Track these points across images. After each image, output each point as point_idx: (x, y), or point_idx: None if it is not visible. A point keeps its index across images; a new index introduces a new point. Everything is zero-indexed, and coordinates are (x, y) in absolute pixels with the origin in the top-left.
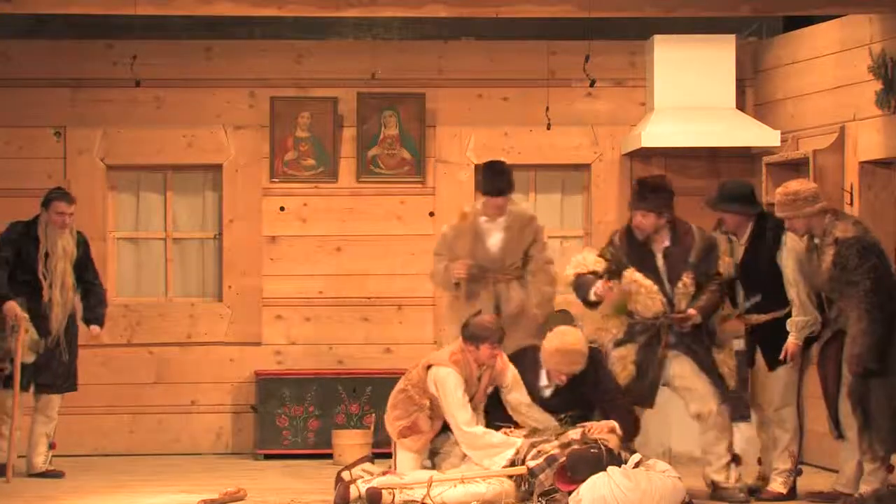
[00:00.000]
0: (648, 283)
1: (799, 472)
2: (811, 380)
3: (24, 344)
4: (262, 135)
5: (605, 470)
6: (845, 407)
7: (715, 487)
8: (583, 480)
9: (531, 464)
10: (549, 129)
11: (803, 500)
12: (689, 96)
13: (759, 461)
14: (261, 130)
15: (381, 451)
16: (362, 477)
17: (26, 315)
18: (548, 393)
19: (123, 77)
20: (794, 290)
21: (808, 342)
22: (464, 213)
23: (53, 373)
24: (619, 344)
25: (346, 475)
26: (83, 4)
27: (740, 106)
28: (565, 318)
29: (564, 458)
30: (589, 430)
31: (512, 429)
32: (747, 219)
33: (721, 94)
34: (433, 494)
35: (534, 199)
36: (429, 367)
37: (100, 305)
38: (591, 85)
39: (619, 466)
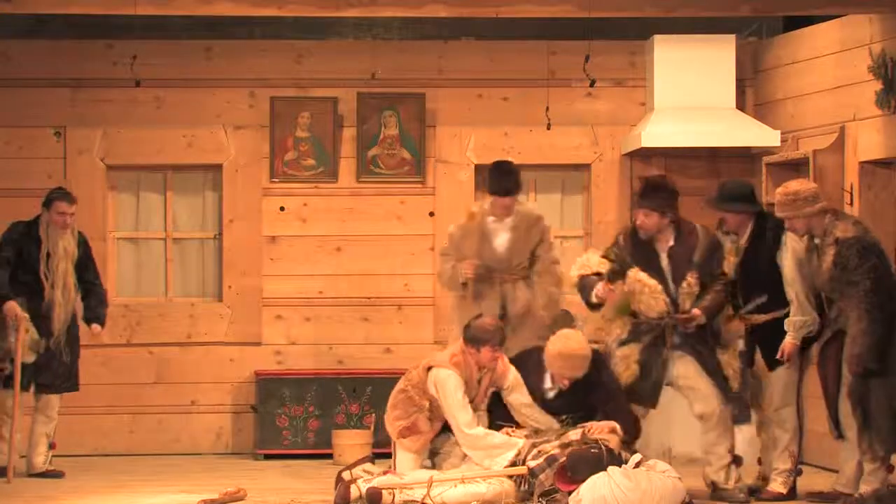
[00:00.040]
0: (652, 282)
1: (799, 472)
2: (811, 380)
3: (25, 344)
4: (262, 135)
5: (605, 470)
6: (845, 407)
7: (715, 488)
8: (583, 480)
9: (531, 464)
10: (549, 129)
11: (803, 500)
12: (689, 96)
13: (759, 461)
14: (261, 130)
15: (381, 451)
16: (362, 477)
17: (26, 315)
18: (551, 395)
19: (123, 77)
20: (793, 289)
21: (806, 342)
22: (471, 212)
23: (54, 373)
24: (622, 343)
25: (346, 475)
26: (83, 4)
27: (740, 106)
28: (566, 318)
29: (565, 458)
30: (589, 431)
31: (514, 428)
32: (748, 218)
33: (721, 94)
34: (433, 494)
35: (534, 200)
36: (429, 368)
37: (100, 306)
38: (591, 85)
39: (620, 466)
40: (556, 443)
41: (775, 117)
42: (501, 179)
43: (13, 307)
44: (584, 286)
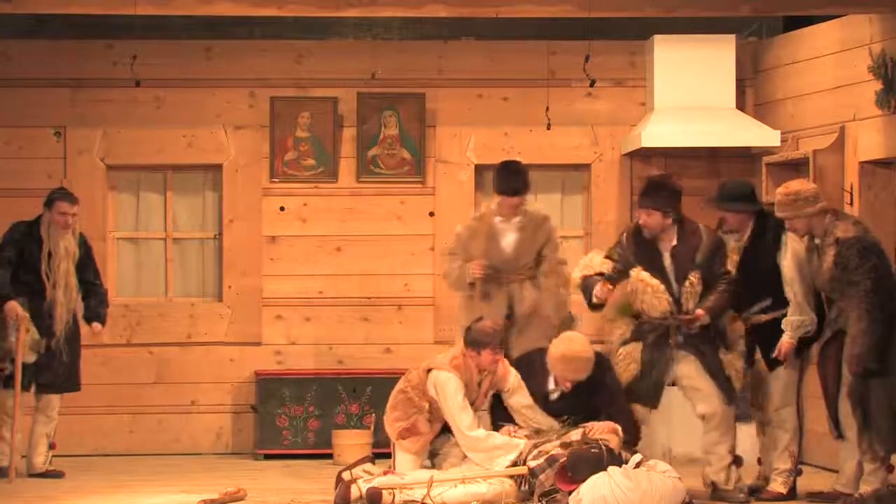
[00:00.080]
0: (655, 282)
1: (799, 472)
2: (811, 380)
3: (25, 344)
4: (262, 135)
5: (605, 470)
6: (845, 407)
7: (714, 488)
8: (583, 480)
9: (532, 464)
10: (549, 129)
11: (803, 500)
12: (689, 96)
13: (759, 461)
14: (261, 130)
15: (381, 451)
16: (363, 477)
17: (27, 315)
18: (554, 397)
19: (123, 77)
20: (792, 289)
21: (803, 342)
22: (481, 213)
23: (54, 373)
24: (625, 343)
25: (346, 475)
26: (83, 4)
27: (740, 106)
28: (568, 319)
29: (565, 458)
30: (590, 431)
31: (515, 428)
32: (748, 217)
33: (721, 94)
34: (433, 494)
35: (534, 200)
36: (429, 370)
37: (101, 306)
38: (591, 85)
39: (620, 466)
40: (557, 443)
41: (775, 117)
42: (510, 179)
43: (14, 307)
44: (586, 287)
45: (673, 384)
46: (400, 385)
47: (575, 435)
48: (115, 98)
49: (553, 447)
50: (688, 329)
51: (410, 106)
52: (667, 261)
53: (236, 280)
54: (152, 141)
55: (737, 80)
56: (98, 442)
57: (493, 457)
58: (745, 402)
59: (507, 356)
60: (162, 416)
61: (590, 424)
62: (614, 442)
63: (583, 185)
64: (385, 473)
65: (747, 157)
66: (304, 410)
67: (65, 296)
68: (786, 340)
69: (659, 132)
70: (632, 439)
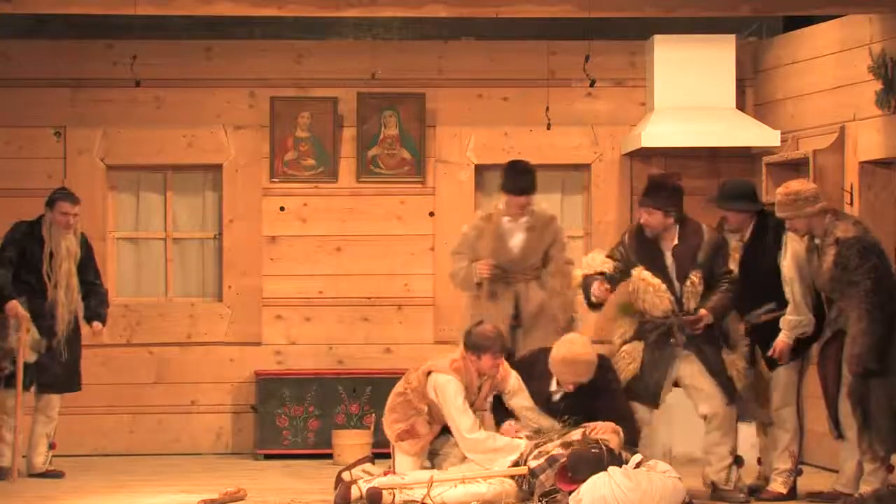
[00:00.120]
0: (656, 281)
1: (799, 472)
2: (811, 380)
3: (26, 344)
4: (262, 135)
5: (605, 470)
6: (845, 407)
7: (714, 488)
8: (583, 480)
9: (532, 464)
10: (549, 129)
11: (803, 500)
12: (689, 96)
13: (759, 461)
14: (261, 130)
15: (381, 451)
16: (363, 477)
17: (28, 314)
18: (556, 398)
19: (123, 77)
20: (790, 289)
21: (804, 342)
22: (489, 213)
23: (54, 373)
24: (627, 342)
25: (346, 476)
26: (83, 4)
27: (740, 106)
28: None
29: (565, 459)
30: (590, 431)
31: (518, 425)
32: (749, 217)
33: (721, 94)
34: (433, 494)
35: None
36: (429, 373)
37: (101, 306)
38: (591, 85)
39: (620, 467)
40: (558, 443)
41: (775, 117)
42: (517, 178)
43: (15, 306)
44: (587, 286)
45: (676, 385)
46: (399, 387)
47: (575, 435)
48: (115, 98)
49: (554, 447)
50: (692, 330)
51: (410, 106)
52: (668, 260)
53: (236, 280)
54: (152, 141)
55: (737, 80)
56: (98, 442)
57: (494, 459)
58: (742, 401)
59: (512, 356)
60: (162, 416)
61: (590, 424)
62: (614, 442)
63: (583, 185)
64: (385, 474)
65: (747, 157)
66: (304, 410)
67: (66, 296)
68: (781, 339)
69: (659, 132)
70: (633, 440)
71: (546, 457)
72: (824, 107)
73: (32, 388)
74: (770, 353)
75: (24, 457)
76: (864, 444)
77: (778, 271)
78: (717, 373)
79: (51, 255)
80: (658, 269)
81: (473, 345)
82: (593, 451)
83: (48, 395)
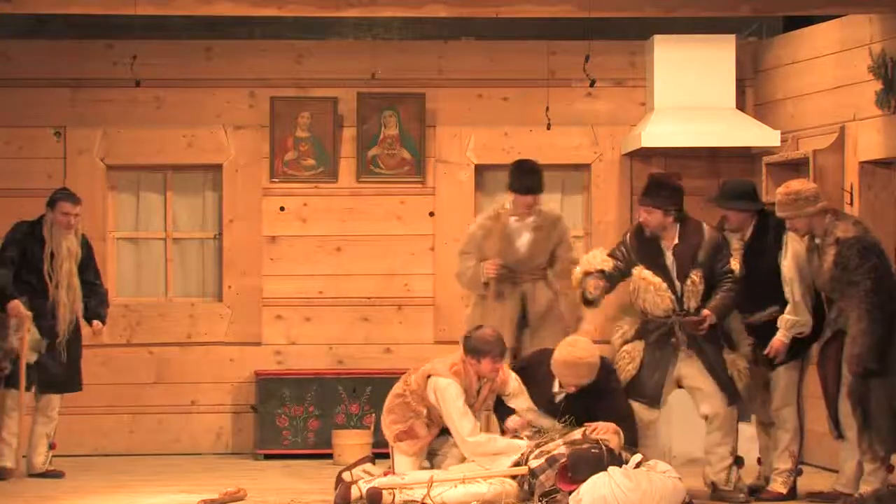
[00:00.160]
0: (657, 280)
1: (799, 472)
2: (811, 380)
3: (27, 344)
4: (262, 135)
5: (605, 470)
6: (845, 407)
7: (714, 488)
8: (583, 480)
9: (533, 464)
10: (549, 129)
11: (803, 500)
12: (689, 96)
13: (759, 461)
14: (261, 130)
15: (381, 451)
16: (363, 477)
17: (30, 314)
18: (559, 399)
19: (123, 77)
20: (790, 288)
21: (804, 342)
22: (496, 213)
23: (55, 373)
24: (628, 341)
25: (346, 476)
26: (83, 4)
27: (740, 106)
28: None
29: (566, 459)
30: (590, 431)
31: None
32: (750, 216)
33: (721, 94)
34: (433, 494)
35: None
36: (428, 376)
37: (101, 306)
38: (591, 85)
39: (620, 467)
40: (558, 442)
41: (775, 117)
42: (524, 178)
43: (17, 306)
44: (585, 282)
45: (679, 385)
46: (398, 389)
47: (576, 435)
48: (115, 98)
49: (554, 447)
50: (695, 330)
51: (410, 106)
52: (669, 259)
53: (236, 280)
54: (152, 141)
55: (737, 80)
56: (98, 442)
57: (495, 461)
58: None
59: (518, 356)
60: (162, 416)
61: (590, 425)
62: (614, 442)
63: (583, 185)
64: (385, 474)
65: (747, 157)
66: (304, 410)
67: (67, 296)
68: (778, 338)
69: (659, 132)
70: (633, 440)
71: (546, 457)
72: (824, 107)
73: (32, 389)
74: (766, 351)
75: (24, 457)
76: (864, 444)
77: (778, 271)
78: (719, 373)
79: (52, 255)
80: (658, 268)
81: (473, 349)
82: (593, 451)
83: (48, 395)
